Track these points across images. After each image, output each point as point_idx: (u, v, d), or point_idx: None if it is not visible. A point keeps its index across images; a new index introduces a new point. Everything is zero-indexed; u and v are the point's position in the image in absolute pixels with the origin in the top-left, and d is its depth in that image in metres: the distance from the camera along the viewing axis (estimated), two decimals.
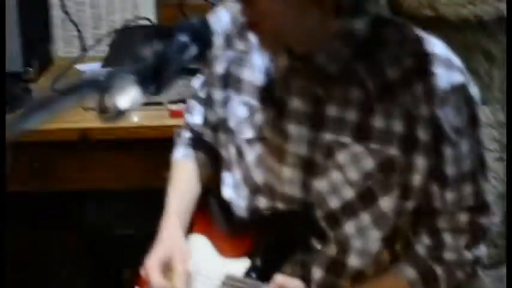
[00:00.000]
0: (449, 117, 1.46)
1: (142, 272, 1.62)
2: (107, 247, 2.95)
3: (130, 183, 2.39)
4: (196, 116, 1.78)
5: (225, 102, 1.65)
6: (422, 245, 1.56)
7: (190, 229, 1.72)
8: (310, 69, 1.49)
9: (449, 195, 1.51)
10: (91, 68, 2.56)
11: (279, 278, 1.50)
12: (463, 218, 1.54)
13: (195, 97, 1.78)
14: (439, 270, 1.55)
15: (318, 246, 1.55)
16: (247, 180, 1.62)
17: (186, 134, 1.82)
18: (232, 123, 1.63)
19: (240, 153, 1.63)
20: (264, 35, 1.45)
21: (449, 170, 1.49)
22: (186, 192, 1.75)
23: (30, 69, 2.58)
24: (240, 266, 1.58)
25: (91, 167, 2.34)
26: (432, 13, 2.11)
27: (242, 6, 1.46)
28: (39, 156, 2.31)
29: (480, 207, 1.55)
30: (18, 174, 2.26)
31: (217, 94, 1.66)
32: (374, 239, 1.55)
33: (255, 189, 1.61)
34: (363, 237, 1.55)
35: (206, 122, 1.75)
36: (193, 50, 1.31)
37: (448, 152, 1.48)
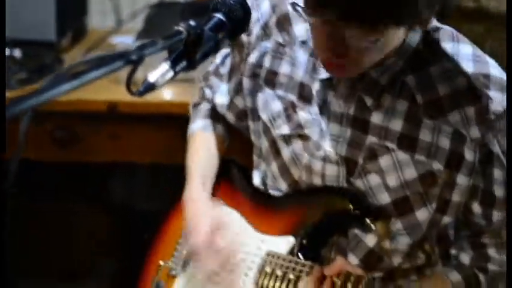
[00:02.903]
0: (500, 140, 1.44)
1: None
2: (127, 220, 2.95)
3: (155, 158, 2.38)
4: (218, 95, 1.73)
5: (254, 92, 1.62)
6: (466, 254, 1.56)
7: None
8: (361, 79, 1.47)
9: (496, 215, 1.50)
10: (124, 40, 2.57)
11: (340, 261, 1.48)
12: None
13: (216, 73, 1.74)
14: (482, 277, 1.55)
15: (372, 225, 1.52)
16: (285, 175, 1.60)
17: (205, 106, 1.78)
18: (264, 116, 1.60)
19: (275, 148, 1.60)
20: (348, 74, 1.44)
21: (498, 191, 1.48)
22: (207, 161, 1.72)
23: (64, 39, 2.57)
24: (281, 243, 1.56)
25: (117, 139, 2.33)
26: (474, 5, 2.08)
27: (331, 56, 1.39)
28: (63, 125, 2.29)
29: None
30: (39, 143, 2.24)
31: (246, 82, 1.63)
32: (403, 243, 1.54)
33: (294, 184, 1.59)
34: (393, 240, 1.53)
35: (231, 106, 1.71)
36: (227, 30, 1.29)
37: (497, 174, 1.47)
